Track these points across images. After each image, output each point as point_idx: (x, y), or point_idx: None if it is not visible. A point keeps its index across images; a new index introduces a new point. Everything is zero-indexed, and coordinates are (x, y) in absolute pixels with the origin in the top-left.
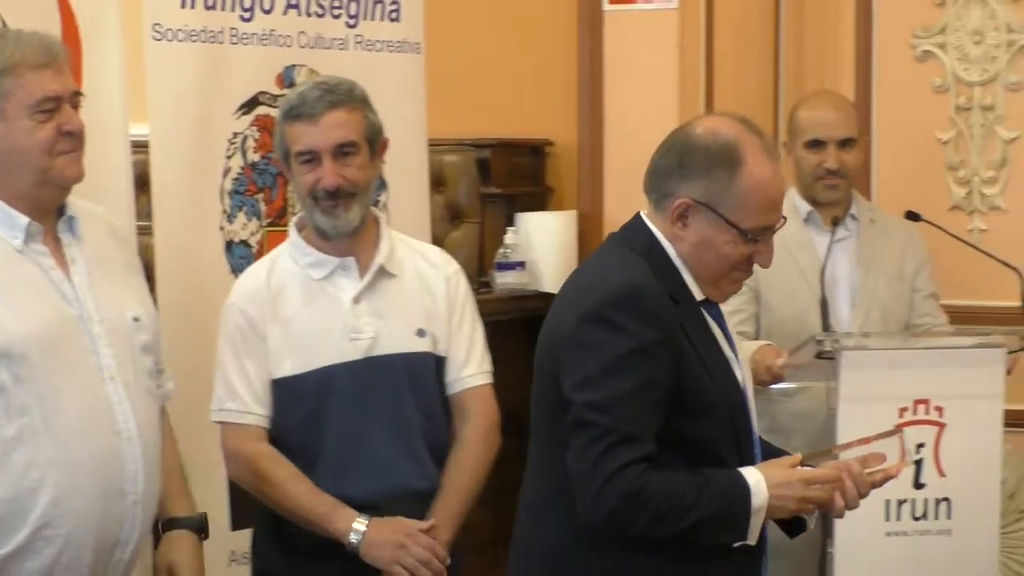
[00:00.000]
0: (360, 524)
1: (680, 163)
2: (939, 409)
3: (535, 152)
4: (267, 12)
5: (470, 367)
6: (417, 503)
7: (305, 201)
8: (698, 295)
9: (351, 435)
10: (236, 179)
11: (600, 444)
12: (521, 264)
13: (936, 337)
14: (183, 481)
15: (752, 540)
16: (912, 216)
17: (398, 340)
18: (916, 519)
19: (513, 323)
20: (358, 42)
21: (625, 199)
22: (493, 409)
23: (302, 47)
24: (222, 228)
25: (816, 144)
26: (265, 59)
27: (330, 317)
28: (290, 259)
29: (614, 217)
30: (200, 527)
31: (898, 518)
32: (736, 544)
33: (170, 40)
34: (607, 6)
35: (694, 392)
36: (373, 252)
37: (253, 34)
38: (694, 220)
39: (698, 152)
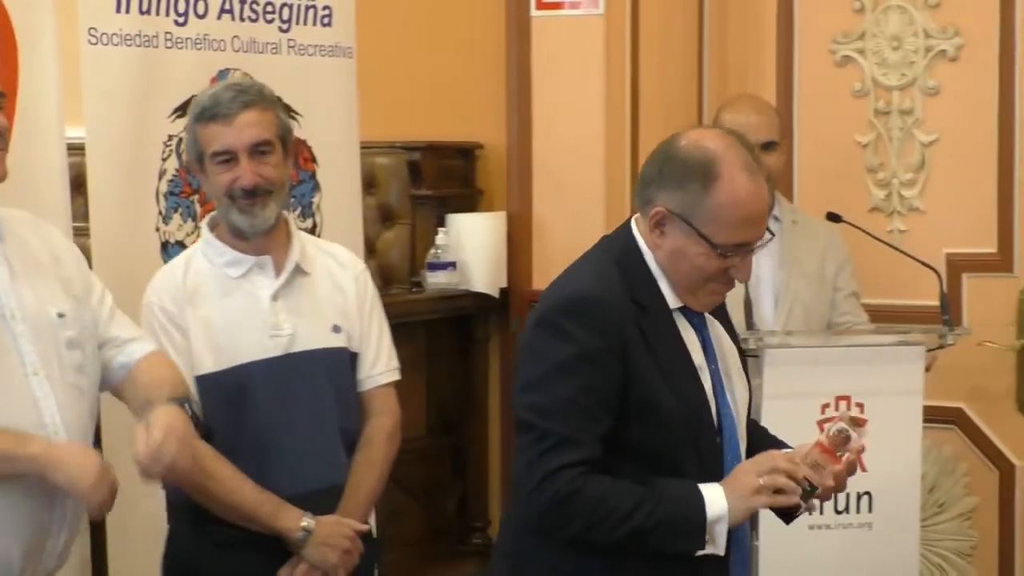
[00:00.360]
0: (308, 522)
1: (660, 172)
2: (860, 405)
3: (465, 155)
4: (201, 17)
5: (379, 365)
6: (336, 498)
7: (221, 201)
8: (674, 303)
9: (273, 431)
10: (171, 181)
11: (537, 447)
12: (452, 264)
13: (857, 335)
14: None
15: (718, 551)
16: (833, 217)
17: (316, 336)
18: (838, 513)
19: (444, 322)
20: (291, 46)
21: (553, 200)
22: (397, 408)
23: (236, 51)
24: (158, 229)
25: None
26: (199, 63)
27: (249, 314)
28: (204, 258)
29: (542, 217)
30: (182, 403)
31: (821, 512)
32: (701, 553)
33: (105, 44)
34: (534, 12)
35: (645, 402)
36: (286, 251)
37: (187, 38)
38: (670, 229)
39: (677, 163)
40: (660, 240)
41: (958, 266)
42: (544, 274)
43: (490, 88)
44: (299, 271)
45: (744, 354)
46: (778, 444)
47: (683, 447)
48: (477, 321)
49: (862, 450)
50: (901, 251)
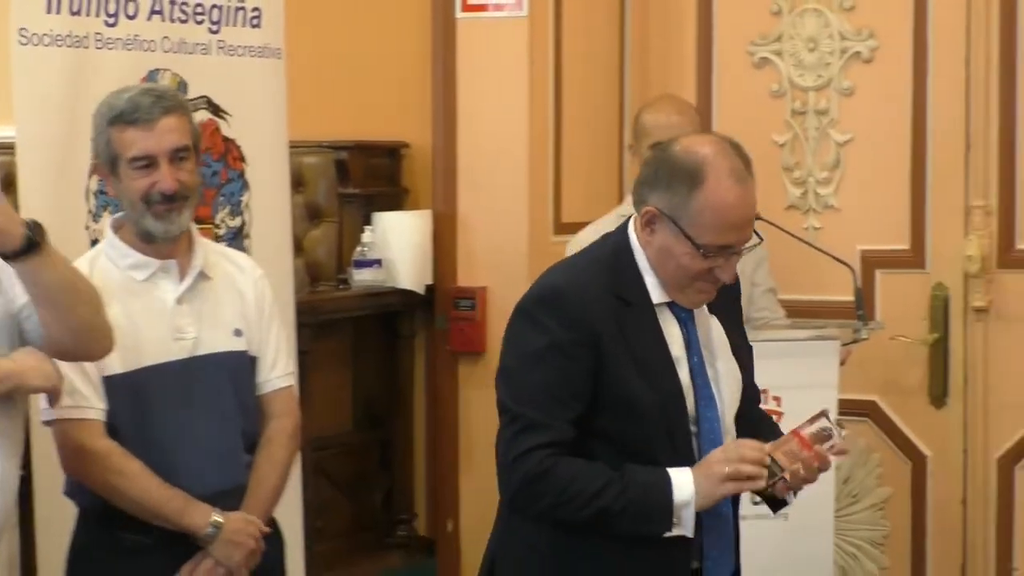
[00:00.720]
0: (217, 519)
1: (655, 173)
2: (777, 399)
3: (391, 154)
4: (131, 18)
5: (277, 369)
6: (240, 498)
7: (136, 206)
8: (659, 298)
9: (177, 432)
10: (101, 180)
11: (510, 429)
12: (378, 262)
13: (774, 330)
14: None
15: (686, 532)
16: None
17: (219, 340)
18: (755, 503)
19: (370, 318)
20: (220, 47)
21: (477, 199)
22: (297, 411)
23: (166, 52)
24: (88, 227)
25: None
26: (130, 63)
27: (154, 317)
28: (109, 260)
29: (467, 216)
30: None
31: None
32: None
33: (36, 44)
34: (459, 14)
35: (617, 392)
36: (190, 256)
37: (118, 39)
38: (659, 228)
39: (668, 165)
40: (650, 238)
41: (872, 262)
42: (469, 271)
43: (416, 89)
44: (202, 276)
45: (742, 349)
46: (775, 433)
47: (656, 436)
48: (403, 317)
49: (841, 453)
50: (816, 248)
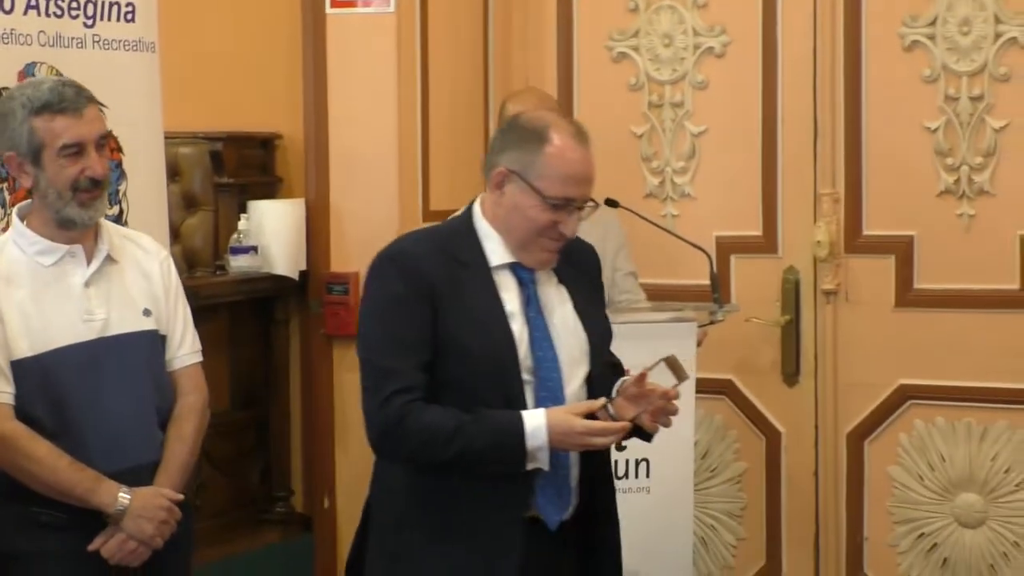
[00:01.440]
0: (125, 497)
1: (502, 138)
2: None
3: (265, 145)
4: (7, 12)
5: (184, 346)
6: (154, 474)
7: (64, 194)
8: (498, 261)
9: (91, 412)
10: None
11: (368, 379)
12: (253, 248)
13: (635, 312)
14: None
15: (542, 465)
16: (611, 203)
17: (128, 320)
18: (619, 478)
19: (246, 303)
20: (96, 41)
21: (349, 187)
22: (204, 386)
23: (42, 46)
24: None
25: None
26: (6, 57)
27: (63, 301)
28: (16, 247)
29: (339, 204)
30: None
31: None
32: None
33: None
34: (329, 9)
35: (453, 341)
36: (95, 240)
37: None
38: (509, 188)
39: (517, 129)
40: (500, 199)
41: (726, 248)
42: (341, 257)
43: (288, 81)
44: (109, 259)
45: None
46: (619, 374)
47: (487, 382)
48: (278, 302)
49: (673, 396)
50: (674, 234)
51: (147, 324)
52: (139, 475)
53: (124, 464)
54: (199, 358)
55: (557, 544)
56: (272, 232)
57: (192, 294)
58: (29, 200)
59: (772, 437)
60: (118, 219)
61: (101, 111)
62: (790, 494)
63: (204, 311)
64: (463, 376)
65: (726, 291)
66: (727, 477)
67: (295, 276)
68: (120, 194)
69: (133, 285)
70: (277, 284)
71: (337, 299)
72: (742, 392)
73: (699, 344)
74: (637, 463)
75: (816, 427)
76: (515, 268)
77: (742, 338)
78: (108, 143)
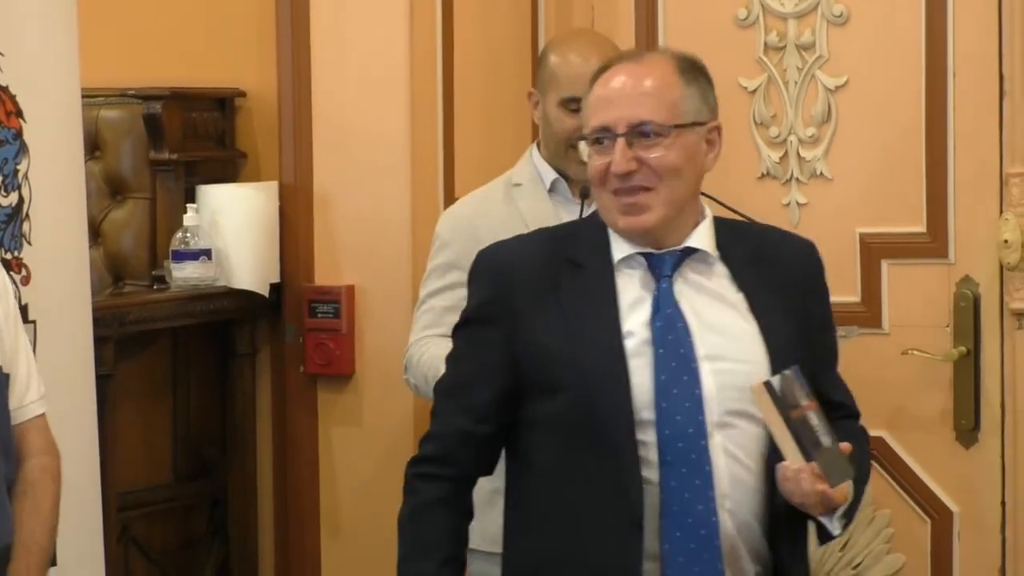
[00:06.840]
0: None
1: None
2: None
3: (221, 105)
4: None
5: (31, 392)
6: (5, 560)
7: None
8: (622, 252)
9: None
10: None
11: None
12: (206, 252)
13: None
14: None
15: None
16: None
17: None
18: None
19: (196, 330)
20: None
21: (340, 167)
22: (54, 443)
23: None
24: None
25: (575, 102)
26: None
27: None
28: None
29: (325, 189)
30: None
31: None
32: None
33: None
34: None
35: (539, 370)
36: None
37: None
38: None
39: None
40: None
41: (875, 250)
42: (330, 264)
43: (254, 18)
44: None
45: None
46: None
47: (575, 421)
48: (240, 328)
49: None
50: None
51: None
52: None
53: None
54: (45, 407)
55: None
56: (232, 229)
57: (119, 317)
58: None
59: (942, 519)
60: (16, 211)
61: None
62: None
63: (136, 341)
64: (554, 421)
65: (875, 311)
66: None
67: (264, 292)
68: (19, 176)
69: None
70: (239, 303)
71: (324, 323)
72: (898, 455)
73: None
74: None
75: (1002, 504)
76: (650, 261)
77: (897, 378)
78: None
